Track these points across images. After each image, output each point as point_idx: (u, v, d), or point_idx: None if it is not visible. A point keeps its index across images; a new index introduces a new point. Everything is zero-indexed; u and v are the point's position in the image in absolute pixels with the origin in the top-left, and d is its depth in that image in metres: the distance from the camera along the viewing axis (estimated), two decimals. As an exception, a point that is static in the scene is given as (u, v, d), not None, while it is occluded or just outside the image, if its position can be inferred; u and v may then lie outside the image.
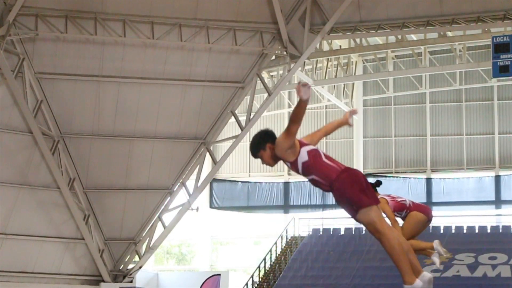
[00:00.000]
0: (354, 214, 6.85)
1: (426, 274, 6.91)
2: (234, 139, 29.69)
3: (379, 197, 9.98)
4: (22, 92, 26.92)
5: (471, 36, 30.21)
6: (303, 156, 6.94)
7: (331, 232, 33.09)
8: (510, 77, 33.06)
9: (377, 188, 10.04)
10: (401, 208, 10.22)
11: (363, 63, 36.34)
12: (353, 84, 36.56)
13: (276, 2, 27.28)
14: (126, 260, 29.97)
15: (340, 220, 34.78)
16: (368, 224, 6.86)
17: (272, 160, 7.07)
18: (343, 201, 6.85)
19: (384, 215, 10.10)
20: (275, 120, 37.69)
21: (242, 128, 29.26)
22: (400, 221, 10.40)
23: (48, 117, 27.74)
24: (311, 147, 7.06)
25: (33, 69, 27.21)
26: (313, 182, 7.01)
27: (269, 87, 29.48)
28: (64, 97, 27.84)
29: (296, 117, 6.86)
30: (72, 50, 27.33)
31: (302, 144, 7.03)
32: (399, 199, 10.37)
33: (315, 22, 28.23)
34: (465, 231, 32.01)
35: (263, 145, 7.03)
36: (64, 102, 27.91)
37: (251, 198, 37.30)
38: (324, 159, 6.98)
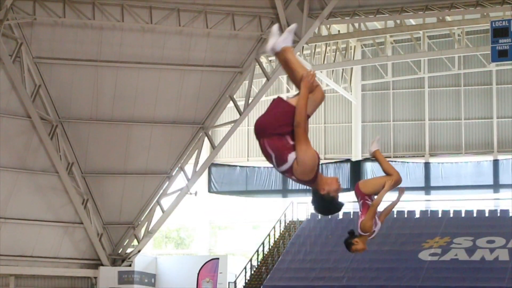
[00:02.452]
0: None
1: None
2: (232, 124, 29.74)
3: (360, 225, 9.96)
4: (20, 77, 26.94)
5: (470, 21, 30.15)
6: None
7: (329, 216, 33.15)
8: (509, 62, 33.05)
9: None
10: (367, 206, 10.08)
11: (362, 48, 36.29)
12: (352, 69, 36.52)
13: (274, -14, 27.25)
14: (125, 244, 30.09)
15: (338, 204, 34.83)
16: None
17: None
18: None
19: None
20: (274, 104, 37.68)
21: (240, 113, 29.30)
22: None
23: (46, 102, 27.78)
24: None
25: (31, 54, 27.21)
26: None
27: (267, 72, 29.48)
28: (62, 81, 27.86)
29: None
30: (70, 35, 27.33)
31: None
32: (361, 209, 10.27)
33: (313, 7, 28.19)
34: (463, 215, 32.08)
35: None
36: (62, 87, 27.93)
37: (249, 183, 37.33)
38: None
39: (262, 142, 6.07)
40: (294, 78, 6.18)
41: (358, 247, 9.83)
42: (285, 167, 6.01)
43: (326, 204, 6.09)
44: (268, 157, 6.09)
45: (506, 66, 33.63)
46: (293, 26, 6.31)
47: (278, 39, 6.18)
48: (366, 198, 10.09)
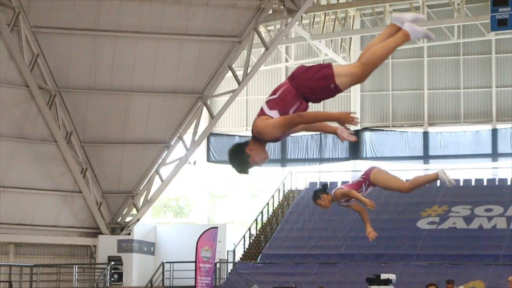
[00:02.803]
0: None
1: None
2: (231, 94, 29.73)
3: (336, 189, 10.26)
4: (18, 46, 26.92)
5: (469, -11, 30.03)
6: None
7: (328, 186, 33.15)
8: (509, 31, 32.96)
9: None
10: (359, 185, 10.35)
11: (361, 17, 36.17)
12: (351, 38, 36.45)
13: (272, -46, 27.13)
14: (124, 213, 30.22)
15: (337, 173, 34.93)
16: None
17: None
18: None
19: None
20: (273, 74, 37.64)
21: (239, 83, 29.28)
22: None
23: (45, 71, 27.78)
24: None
25: (28, 23, 27.15)
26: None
27: (266, 42, 29.43)
28: (61, 51, 27.83)
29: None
30: (68, 4, 27.25)
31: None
32: (353, 182, 10.54)
33: (312, -24, 28.10)
34: (461, 184, 32.14)
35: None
36: (60, 56, 27.91)
37: (248, 152, 37.29)
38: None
39: (285, 82, 6.05)
40: (368, 50, 6.03)
41: (322, 203, 10.26)
42: (264, 109, 6.02)
43: (239, 158, 6.10)
44: (272, 93, 6.07)
45: (505, 35, 33.55)
46: (431, 36, 6.24)
47: (413, 24, 6.03)
48: (365, 182, 10.24)
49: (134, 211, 30.29)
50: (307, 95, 5.97)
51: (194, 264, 25.35)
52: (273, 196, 33.48)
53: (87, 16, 27.43)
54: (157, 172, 29.75)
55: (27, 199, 28.56)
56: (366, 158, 36.32)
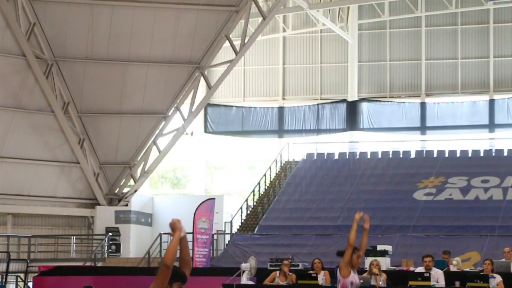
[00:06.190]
0: None
1: None
2: (228, 64, 29.61)
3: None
4: (14, 15, 26.73)
5: (468, -41, 29.83)
6: None
7: (325, 157, 33.22)
8: (507, 0, 32.83)
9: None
10: None
11: (359, -14, 35.90)
12: (348, 8, 36.25)
13: None
14: (121, 184, 30.20)
15: (334, 144, 34.90)
16: None
17: None
18: None
19: None
20: (270, 44, 37.46)
21: (236, 53, 29.14)
22: None
23: (41, 40, 27.62)
24: None
25: (24, -9, 26.95)
26: None
27: (263, 11, 29.24)
28: (57, 20, 27.64)
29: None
30: (65, -27, 27.04)
31: None
32: None
33: None
34: (458, 154, 32.16)
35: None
36: (57, 25, 27.73)
37: (245, 123, 37.28)
38: None
39: None
40: None
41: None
42: None
43: None
44: None
45: (503, 4, 33.41)
46: None
47: None
48: None
49: (131, 182, 30.27)
50: None
51: (191, 235, 25.36)
52: (270, 167, 33.45)
53: (84, -15, 27.23)
54: (154, 143, 29.70)
55: (24, 169, 28.52)
56: (363, 129, 36.32)
